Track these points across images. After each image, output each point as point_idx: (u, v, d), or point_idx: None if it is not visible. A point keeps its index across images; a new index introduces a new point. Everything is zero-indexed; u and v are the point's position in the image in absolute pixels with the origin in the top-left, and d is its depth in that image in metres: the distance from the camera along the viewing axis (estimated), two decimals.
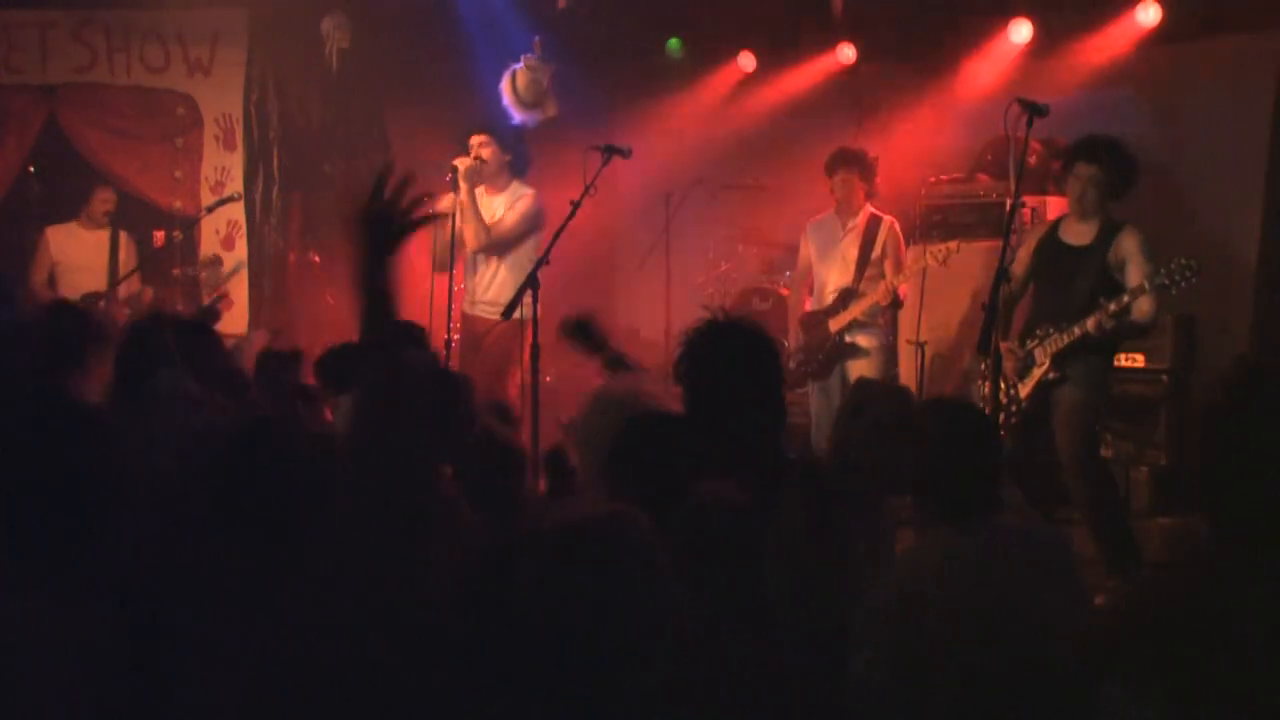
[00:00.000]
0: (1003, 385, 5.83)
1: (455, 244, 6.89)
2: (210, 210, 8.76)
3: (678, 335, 3.46)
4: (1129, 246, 5.75)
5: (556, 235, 5.94)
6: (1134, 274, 5.69)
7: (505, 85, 7.98)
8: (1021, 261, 6.01)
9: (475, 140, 7.18)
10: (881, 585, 2.94)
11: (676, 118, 9.83)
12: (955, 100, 8.50)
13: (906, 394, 4.25)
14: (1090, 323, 5.67)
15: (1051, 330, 5.84)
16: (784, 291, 8.54)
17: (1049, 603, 2.89)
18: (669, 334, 7.95)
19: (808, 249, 7.43)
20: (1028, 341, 5.94)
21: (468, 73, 8.86)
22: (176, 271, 8.68)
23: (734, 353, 3.33)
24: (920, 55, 8.61)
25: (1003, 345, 5.73)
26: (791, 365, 7.22)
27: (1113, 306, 5.61)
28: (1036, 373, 5.88)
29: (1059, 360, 5.81)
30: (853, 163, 7.17)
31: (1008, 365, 5.89)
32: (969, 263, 7.04)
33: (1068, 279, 5.86)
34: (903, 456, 3.16)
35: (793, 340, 7.40)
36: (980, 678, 2.78)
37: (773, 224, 9.20)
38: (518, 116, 7.97)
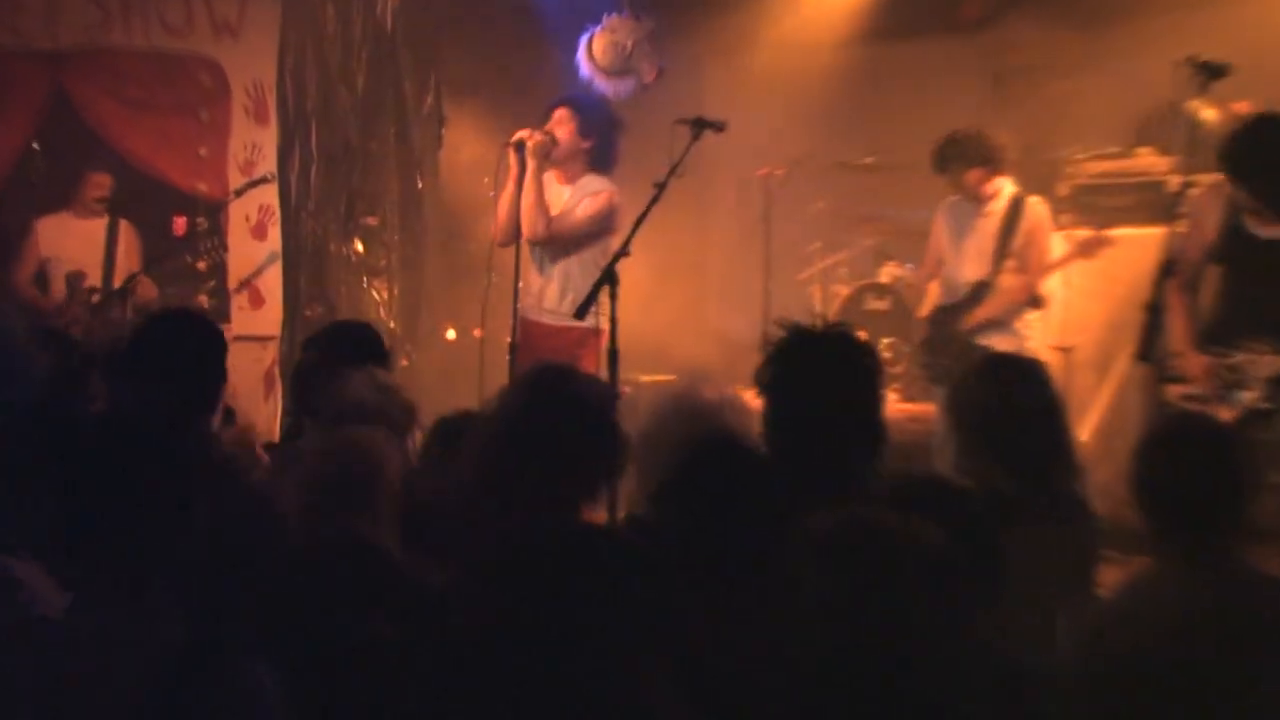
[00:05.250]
0: (1186, 401, 5.49)
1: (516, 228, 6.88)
2: (239, 193, 8.70)
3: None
4: None
5: (638, 223, 5.89)
6: None
7: (582, 51, 7.94)
8: (1194, 251, 5.66)
9: (556, 115, 7.12)
10: (1080, 640, 2.86)
11: (777, 84, 9.85)
12: (1111, 59, 8.42)
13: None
14: None
15: (1265, 347, 5.42)
16: (906, 278, 8.46)
17: None
18: (768, 339, 7.94)
19: (939, 235, 7.41)
20: (1230, 355, 5.50)
21: (540, 34, 8.87)
22: (203, 265, 8.74)
23: (825, 367, 3.39)
24: (1068, 4, 8.51)
25: (1196, 358, 5.48)
26: (916, 368, 7.18)
27: None
28: (1246, 398, 5.40)
29: (1274, 389, 5.36)
30: (964, 156, 7.09)
31: (1202, 382, 5.52)
32: (1125, 253, 6.96)
33: (1272, 280, 5.47)
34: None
35: (918, 340, 7.43)
36: None
37: (897, 205, 9.15)
38: (603, 87, 7.92)
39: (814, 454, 3.33)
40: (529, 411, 3.40)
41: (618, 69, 7.86)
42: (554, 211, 7.03)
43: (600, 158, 7.17)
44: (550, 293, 7.12)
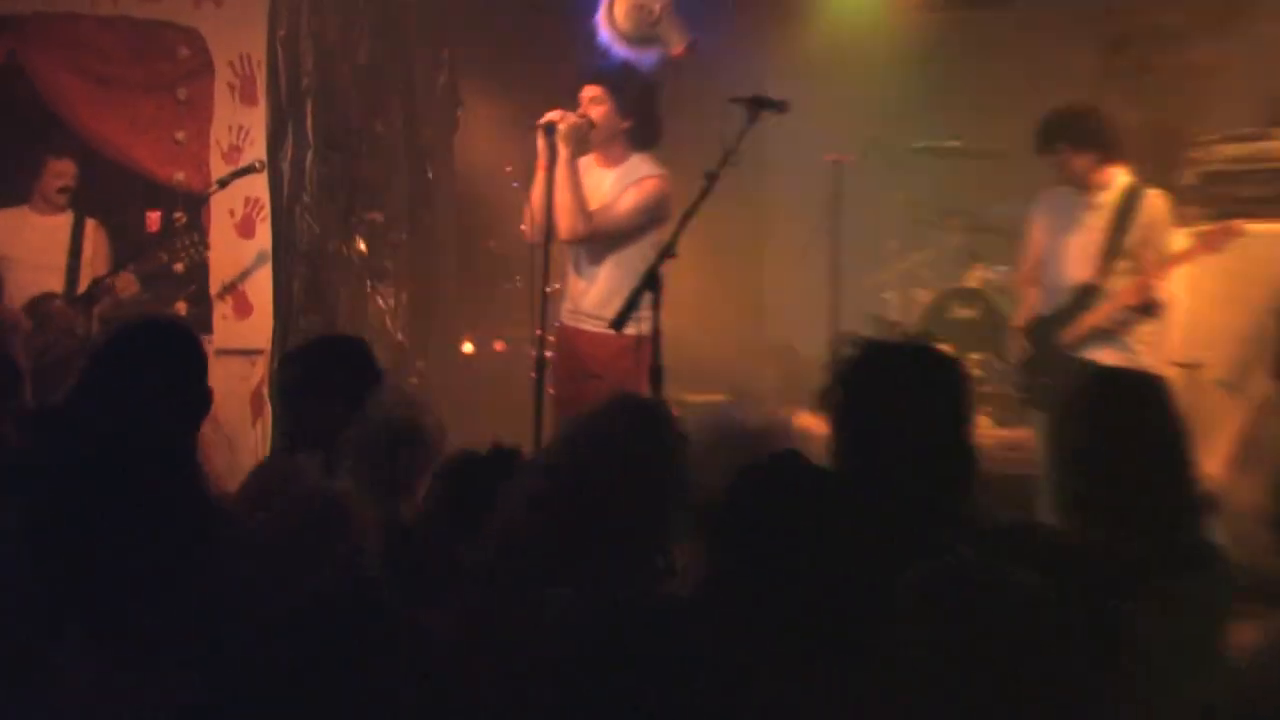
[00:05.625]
0: None
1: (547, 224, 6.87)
2: (223, 184, 8.63)
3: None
4: None
5: (687, 217, 5.88)
6: None
7: (602, 12, 7.93)
8: None
9: (586, 93, 7.11)
10: (1212, 712, 2.78)
11: (848, 56, 9.89)
12: (1251, 23, 8.38)
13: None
14: None
15: None
16: (999, 282, 8.66)
17: None
18: (835, 353, 7.93)
19: (1038, 230, 7.42)
20: None
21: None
22: (180, 267, 8.73)
23: (902, 387, 3.39)
24: None
25: None
26: (1011, 388, 7.33)
27: None
28: None
29: None
30: (1072, 137, 7.09)
31: None
32: (1262, 252, 7.03)
33: None
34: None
35: (1014, 355, 7.45)
36: None
37: (982, 199, 9.11)
38: (624, 54, 7.90)
39: (890, 492, 3.30)
40: (608, 463, 3.39)
41: (641, 37, 7.79)
42: (594, 204, 7.04)
43: (643, 136, 7.17)
44: (592, 296, 7.13)
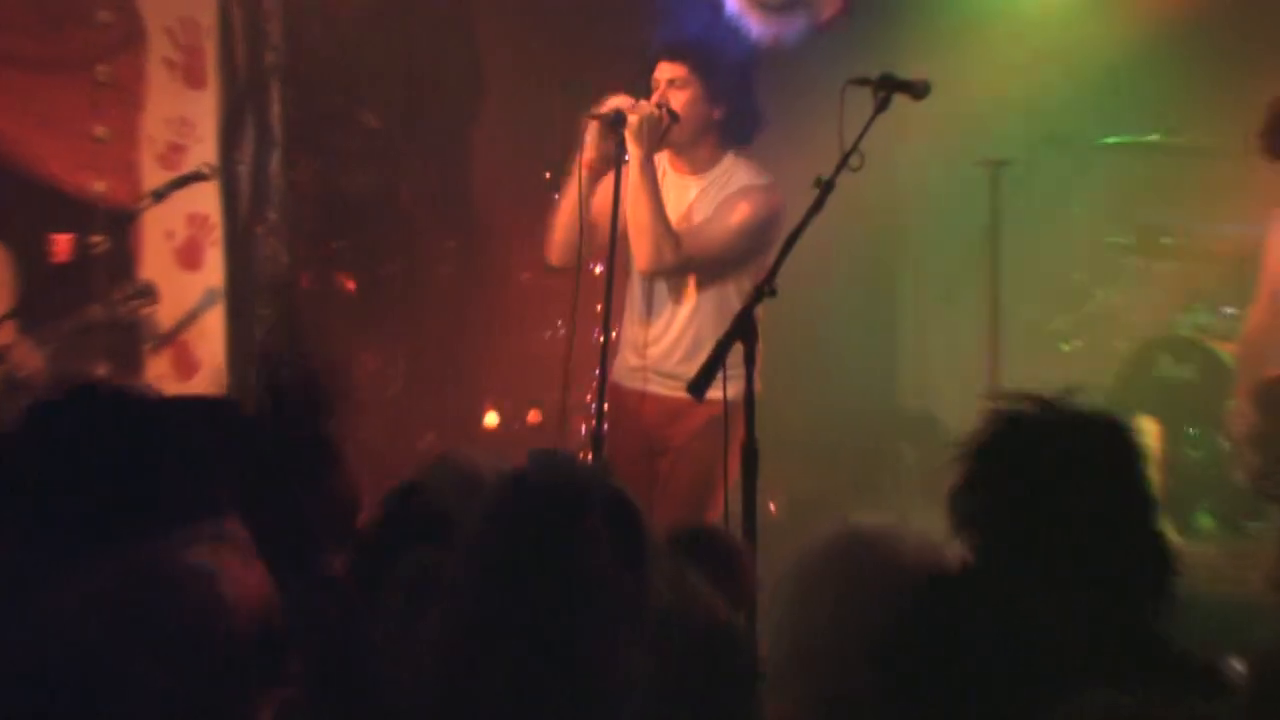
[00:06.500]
0: None
1: (588, 245, 7.04)
2: (160, 197, 8.77)
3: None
4: None
5: (792, 241, 5.95)
6: None
7: None
8: None
9: (665, 73, 7.23)
10: None
11: (1012, 26, 10.07)
12: None
13: None
14: None
15: None
16: (1223, 328, 8.72)
17: None
18: (984, 423, 8.11)
19: (1277, 259, 7.54)
20: None
21: None
22: (99, 311, 8.71)
23: (1074, 472, 3.39)
24: None
25: None
26: (1242, 474, 7.61)
27: None
28: None
29: None
30: None
31: None
32: None
33: None
34: None
35: (1241, 427, 7.65)
36: None
37: (1200, 215, 9.23)
38: (754, 27, 7.93)
39: (1045, 607, 3.30)
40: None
41: (785, 1, 7.88)
42: (679, 222, 7.16)
43: (737, 131, 7.32)
44: (664, 346, 7.31)
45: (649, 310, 7.31)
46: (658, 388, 7.23)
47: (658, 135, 7.07)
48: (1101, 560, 3.39)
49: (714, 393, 5.94)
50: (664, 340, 7.26)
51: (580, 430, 7.05)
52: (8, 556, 3.65)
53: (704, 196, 7.23)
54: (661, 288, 7.27)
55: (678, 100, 7.13)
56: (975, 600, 3.24)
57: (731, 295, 7.07)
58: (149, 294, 8.88)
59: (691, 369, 6.38)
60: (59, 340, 8.61)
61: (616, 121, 6.97)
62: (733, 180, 7.21)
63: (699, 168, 7.28)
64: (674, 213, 7.14)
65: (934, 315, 9.76)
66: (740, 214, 7.11)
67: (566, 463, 3.75)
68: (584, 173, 7.02)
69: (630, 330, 7.37)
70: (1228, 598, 7.06)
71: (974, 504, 3.47)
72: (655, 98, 7.12)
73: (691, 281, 7.21)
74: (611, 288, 6.93)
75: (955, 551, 3.47)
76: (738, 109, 7.25)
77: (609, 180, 7.08)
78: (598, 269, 7.37)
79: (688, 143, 7.23)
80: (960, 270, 9.10)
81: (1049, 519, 3.40)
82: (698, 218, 7.18)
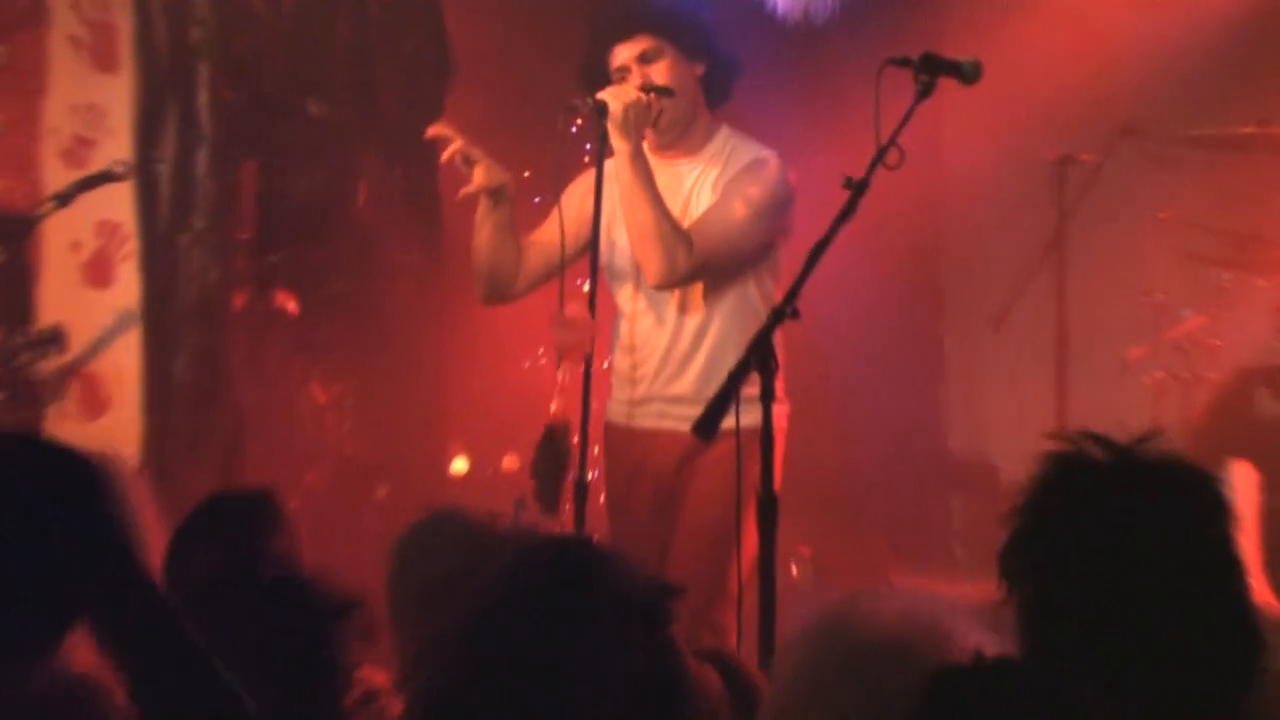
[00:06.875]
0: None
1: (568, 261, 7.22)
2: (64, 201, 8.81)
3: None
4: None
5: (816, 255, 5.92)
6: None
7: None
8: None
9: (626, 54, 7.35)
10: None
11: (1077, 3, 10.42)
12: None
13: None
14: None
15: None
16: None
17: None
18: (1042, 466, 8.48)
19: None
20: None
21: None
22: None
23: (1128, 534, 3.33)
24: None
25: None
26: None
27: None
28: None
29: None
30: None
31: None
32: None
33: None
34: None
35: None
36: None
37: None
38: (784, 1, 8.06)
39: (1107, 689, 3.28)
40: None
41: None
42: (679, 217, 7.23)
43: (721, 81, 7.54)
44: (675, 368, 7.40)
45: (651, 323, 7.39)
46: (663, 422, 7.30)
47: (646, 124, 7.17)
48: (1175, 643, 3.32)
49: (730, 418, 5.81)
50: (670, 360, 7.35)
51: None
52: None
53: (703, 180, 7.35)
54: (662, 294, 7.32)
55: (660, 74, 7.25)
56: (1008, 694, 3.10)
57: (753, 294, 7.23)
58: (56, 340, 8.89)
59: (702, 392, 6.74)
60: None
61: (599, 110, 7.06)
62: (734, 157, 7.34)
63: (692, 147, 7.41)
64: (670, 207, 7.19)
65: (987, 341, 9.77)
66: (753, 195, 7.19)
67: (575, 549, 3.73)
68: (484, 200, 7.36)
69: (620, 356, 7.47)
70: None
71: (1023, 567, 3.42)
72: (632, 82, 7.20)
73: (699, 284, 7.25)
74: (595, 303, 7.04)
75: (984, 632, 3.40)
76: (716, 55, 7.43)
77: (587, 181, 7.32)
78: (585, 285, 7.34)
79: (681, 122, 7.32)
80: (1019, 282, 9.09)
81: (1111, 589, 3.33)
82: (700, 208, 7.25)
